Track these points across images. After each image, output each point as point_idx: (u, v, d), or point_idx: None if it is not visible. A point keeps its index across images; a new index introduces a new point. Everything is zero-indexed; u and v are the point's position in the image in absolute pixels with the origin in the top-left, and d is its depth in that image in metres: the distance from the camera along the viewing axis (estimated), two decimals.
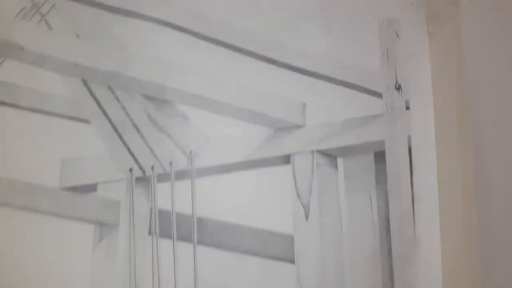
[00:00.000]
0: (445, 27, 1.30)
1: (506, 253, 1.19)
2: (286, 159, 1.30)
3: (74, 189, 1.20)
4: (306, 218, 1.23)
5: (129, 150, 1.24)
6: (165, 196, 1.26)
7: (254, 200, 1.28)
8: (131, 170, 1.24)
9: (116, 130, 1.23)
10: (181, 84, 1.25)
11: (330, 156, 1.30)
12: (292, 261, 1.15)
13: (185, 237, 1.25)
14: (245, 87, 1.29)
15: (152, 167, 1.25)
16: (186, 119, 1.27)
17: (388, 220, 1.17)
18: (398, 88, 1.29)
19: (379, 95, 1.31)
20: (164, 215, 1.26)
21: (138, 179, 1.25)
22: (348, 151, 1.31)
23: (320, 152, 1.29)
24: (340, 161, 1.31)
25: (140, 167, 1.25)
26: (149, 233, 1.24)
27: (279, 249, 1.24)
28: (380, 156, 1.30)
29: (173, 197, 1.25)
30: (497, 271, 1.18)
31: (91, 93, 1.22)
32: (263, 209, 1.27)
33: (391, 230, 1.16)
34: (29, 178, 1.15)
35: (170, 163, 1.25)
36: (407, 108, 1.28)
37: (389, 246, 1.16)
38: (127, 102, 1.24)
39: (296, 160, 1.29)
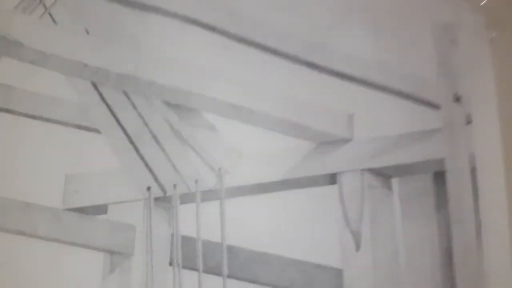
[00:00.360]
0: (507, 32, 1.20)
1: None
2: (332, 179, 1.18)
3: (80, 210, 1.11)
4: (357, 249, 1.15)
5: (147, 165, 1.14)
6: (189, 220, 1.15)
7: (295, 226, 1.16)
8: (149, 189, 1.14)
9: (131, 142, 1.14)
10: (209, 90, 1.13)
11: (383, 175, 1.18)
12: None
13: (213, 269, 1.14)
14: (284, 95, 1.17)
15: (175, 186, 1.15)
16: (215, 131, 1.17)
17: (451, 251, 1.14)
18: (458, 99, 1.18)
19: (436, 107, 1.18)
20: (188, 242, 1.15)
21: (157, 200, 1.15)
22: (403, 170, 1.18)
23: (371, 171, 1.17)
24: (394, 182, 1.19)
25: (160, 186, 1.15)
26: (170, 263, 1.13)
27: (325, 285, 1.14)
28: (440, 177, 1.17)
29: (199, 221, 1.14)
30: None
31: (102, 99, 1.12)
32: (306, 238, 1.15)
33: (455, 264, 1.13)
34: (26, 197, 1.05)
35: (196, 181, 1.15)
36: (469, 122, 1.18)
37: (452, 282, 1.14)
38: (145, 109, 1.14)
39: (343, 180, 1.17)
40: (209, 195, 1.15)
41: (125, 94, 1.13)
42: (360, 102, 1.19)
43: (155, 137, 1.14)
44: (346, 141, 1.17)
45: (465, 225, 1.14)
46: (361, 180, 1.16)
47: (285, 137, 1.17)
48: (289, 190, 1.16)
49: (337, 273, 1.14)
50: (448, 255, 1.14)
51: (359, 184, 1.16)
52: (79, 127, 1.12)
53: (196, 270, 1.12)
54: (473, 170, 1.16)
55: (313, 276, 1.13)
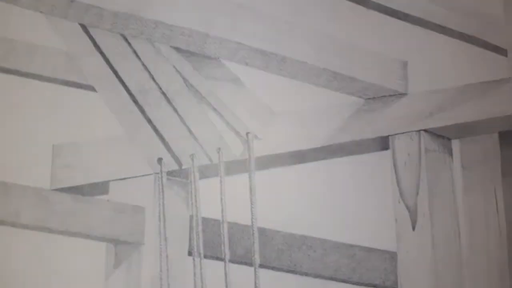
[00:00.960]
0: None
1: None
2: (383, 143, 1.02)
3: (74, 190, 0.96)
4: (413, 227, 1.01)
5: (156, 131, 0.98)
6: (212, 199, 0.99)
7: (340, 203, 1.02)
8: (160, 160, 0.98)
9: (135, 101, 0.96)
10: (230, 32, 0.94)
11: (443, 137, 1.03)
12: (394, 287, 1.02)
13: (242, 258, 0.99)
14: (324, 38, 0.99)
15: (192, 156, 0.98)
16: (240, 85, 0.99)
17: None
18: None
19: (504, 52, 1.02)
20: (210, 226, 0.99)
21: (171, 174, 1.00)
22: (466, 130, 1.03)
23: (429, 132, 1.02)
24: (455, 144, 1.05)
25: (174, 157, 0.99)
26: (190, 253, 0.98)
27: (376, 272, 1.02)
28: (506, 137, 1.04)
29: (224, 200, 0.97)
30: None
31: (96, 46, 0.94)
32: (353, 216, 1.02)
33: None
34: (3, 176, 0.89)
35: (218, 150, 0.98)
36: None
37: None
38: (151, 59, 0.96)
39: (396, 144, 1.02)
40: (235, 166, 1.00)
41: (125, 39, 0.95)
42: (416, 47, 1.03)
43: (165, 94, 0.97)
44: (399, 96, 1.01)
45: None
46: (417, 143, 1.01)
47: (326, 92, 1.01)
48: (332, 159, 1.01)
49: (391, 257, 1.01)
50: None
51: (415, 149, 1.01)
52: (68, 83, 0.95)
53: (222, 259, 0.97)
54: None
55: (362, 261, 1.02)
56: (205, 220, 0.99)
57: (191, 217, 0.98)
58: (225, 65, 0.98)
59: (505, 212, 1.03)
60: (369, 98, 1.01)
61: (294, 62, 0.96)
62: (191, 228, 0.98)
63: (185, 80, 0.97)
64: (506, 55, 1.02)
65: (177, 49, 0.95)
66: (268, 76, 0.98)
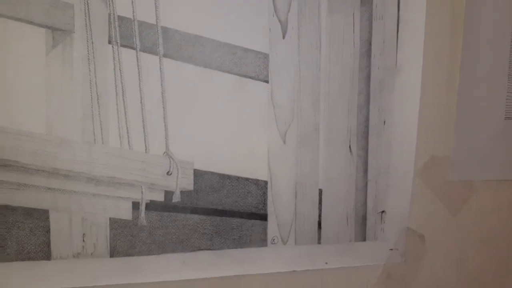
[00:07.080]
0: None
1: (484, 94, 1.17)
2: None
3: None
4: (283, 36, 1.10)
5: None
6: (125, 1, 1.12)
7: (227, 14, 1.14)
8: None
9: None
10: None
11: None
12: (266, 80, 1.09)
13: (150, 49, 1.13)
14: None
15: None
16: None
17: (370, 43, 1.13)
18: None
19: None
20: (124, 22, 1.13)
21: None
22: None
23: None
24: None
25: None
26: (109, 41, 1.12)
27: (252, 67, 1.09)
28: None
29: (135, 2, 1.12)
30: (474, 104, 1.17)
31: None
32: (237, 24, 1.14)
33: (372, 55, 1.12)
34: None
35: None
36: None
37: (368, 70, 1.12)
38: None
39: None
40: None
41: None
42: None
43: None
44: None
45: (386, 20, 1.16)
46: None
47: None
48: None
49: (264, 57, 1.15)
50: (367, 46, 1.17)
51: None
52: None
53: (134, 48, 1.10)
54: None
55: (242, 58, 1.12)
56: (121, 18, 1.10)
57: (110, 14, 1.09)
58: None
59: (360, 32, 1.18)
60: None
61: None
62: (109, 23, 1.09)
63: None
64: None
65: None
66: None
